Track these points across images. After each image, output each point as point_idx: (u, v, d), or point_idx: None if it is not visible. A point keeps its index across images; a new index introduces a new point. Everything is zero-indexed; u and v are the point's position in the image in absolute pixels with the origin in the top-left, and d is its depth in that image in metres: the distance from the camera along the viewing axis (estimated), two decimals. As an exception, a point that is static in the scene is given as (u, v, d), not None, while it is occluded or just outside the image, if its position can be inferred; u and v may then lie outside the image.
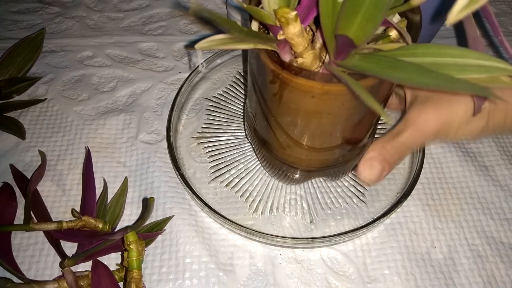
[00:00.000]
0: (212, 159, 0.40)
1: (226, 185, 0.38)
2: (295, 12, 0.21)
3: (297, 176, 0.35)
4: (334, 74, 0.22)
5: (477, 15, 0.22)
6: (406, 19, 0.26)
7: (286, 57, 0.25)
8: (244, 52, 0.45)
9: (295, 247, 0.35)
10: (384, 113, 0.19)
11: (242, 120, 0.42)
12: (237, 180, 0.39)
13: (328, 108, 0.26)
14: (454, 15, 0.16)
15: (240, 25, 0.21)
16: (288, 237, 0.34)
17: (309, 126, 0.28)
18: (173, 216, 0.36)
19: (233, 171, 0.39)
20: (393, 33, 0.25)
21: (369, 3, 0.19)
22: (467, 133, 0.29)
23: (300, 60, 0.24)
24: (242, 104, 0.43)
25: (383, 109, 0.19)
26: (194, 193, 0.35)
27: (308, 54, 0.24)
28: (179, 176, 0.36)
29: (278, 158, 0.34)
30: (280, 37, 0.23)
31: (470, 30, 0.22)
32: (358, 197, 0.38)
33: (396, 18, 0.26)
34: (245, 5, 0.23)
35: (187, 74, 0.43)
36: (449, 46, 0.20)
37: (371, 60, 0.21)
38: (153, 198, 0.34)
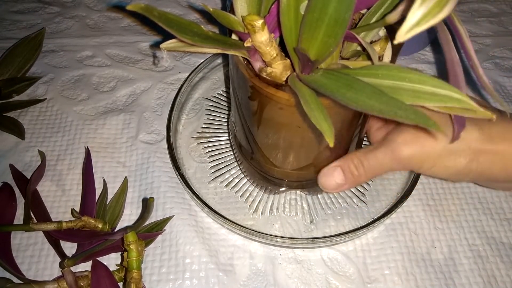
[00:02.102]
0: (212, 159, 0.40)
1: (226, 185, 0.38)
2: (262, 20, 0.21)
3: (274, 185, 0.35)
4: (290, 86, 0.21)
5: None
6: (392, 31, 0.25)
7: (256, 65, 0.24)
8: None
9: (295, 247, 0.35)
10: (331, 135, 0.18)
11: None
12: (237, 180, 0.39)
13: (297, 121, 0.25)
14: (403, 33, 0.14)
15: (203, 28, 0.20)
16: (288, 237, 0.34)
17: (278, 137, 0.28)
18: (173, 216, 0.36)
19: (233, 171, 0.39)
20: (377, 48, 0.25)
21: (330, 18, 0.18)
22: (444, 170, 0.26)
23: (269, 69, 0.24)
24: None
25: (332, 130, 0.18)
26: (194, 193, 0.35)
27: (277, 64, 0.24)
28: (179, 176, 0.36)
29: (256, 168, 0.34)
30: (247, 44, 0.22)
31: (448, 53, 0.21)
32: (358, 197, 0.38)
33: (382, 32, 0.26)
34: (211, 9, 0.22)
35: (187, 74, 0.43)
36: (410, 70, 0.19)
37: (332, 77, 0.20)
38: (153, 198, 0.34)
